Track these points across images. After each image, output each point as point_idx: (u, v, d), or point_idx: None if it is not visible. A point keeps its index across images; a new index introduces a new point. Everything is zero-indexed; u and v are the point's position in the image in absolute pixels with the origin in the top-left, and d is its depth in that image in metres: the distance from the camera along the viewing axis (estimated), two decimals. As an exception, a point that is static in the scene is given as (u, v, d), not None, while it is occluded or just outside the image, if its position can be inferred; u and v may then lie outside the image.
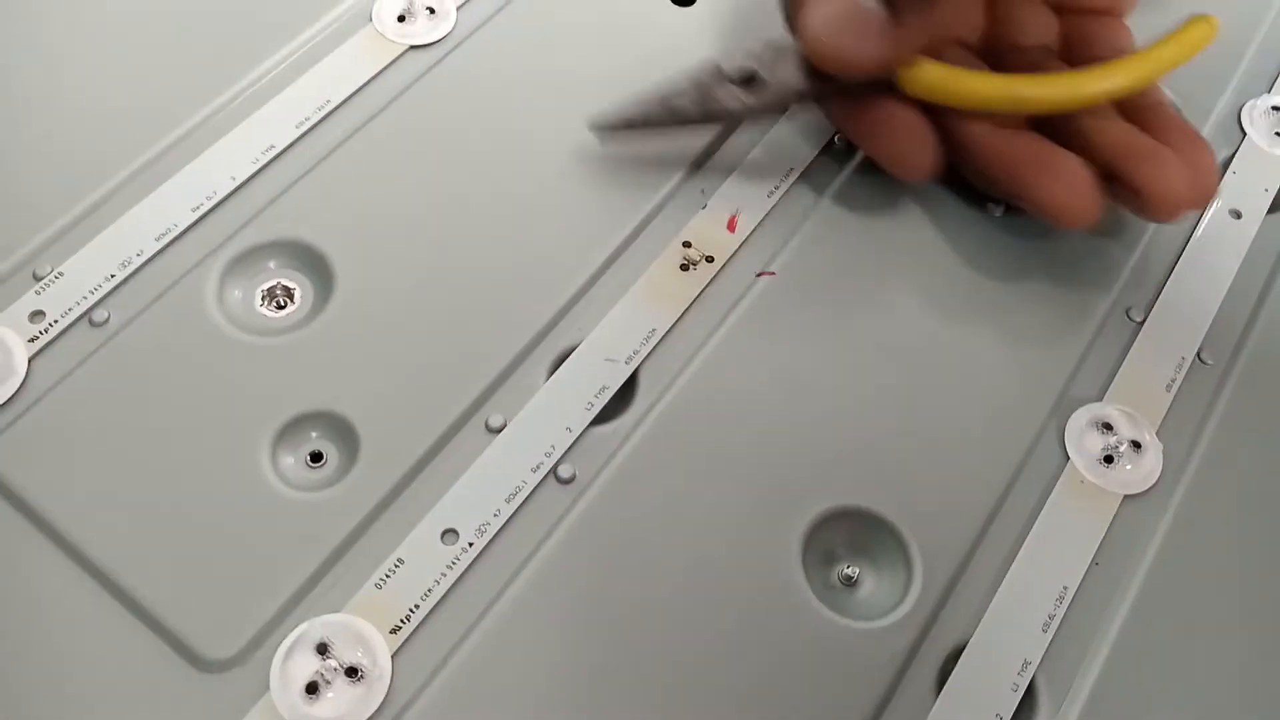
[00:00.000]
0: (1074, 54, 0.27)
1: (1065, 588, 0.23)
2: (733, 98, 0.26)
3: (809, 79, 0.26)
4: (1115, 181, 0.25)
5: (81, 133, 0.27)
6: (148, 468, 0.23)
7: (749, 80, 0.26)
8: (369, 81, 0.29)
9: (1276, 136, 0.31)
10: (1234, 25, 0.33)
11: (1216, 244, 0.29)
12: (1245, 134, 0.31)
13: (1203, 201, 0.27)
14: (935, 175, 0.27)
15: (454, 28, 0.30)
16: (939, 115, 0.26)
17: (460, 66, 0.29)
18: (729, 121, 0.27)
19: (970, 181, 0.28)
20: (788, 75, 0.26)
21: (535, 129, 0.28)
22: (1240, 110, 0.31)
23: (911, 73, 0.25)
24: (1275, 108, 0.31)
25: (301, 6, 0.30)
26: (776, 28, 0.30)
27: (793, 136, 0.29)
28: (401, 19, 0.30)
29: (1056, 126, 0.26)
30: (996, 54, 0.27)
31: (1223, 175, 0.30)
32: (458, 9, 0.30)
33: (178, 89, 0.28)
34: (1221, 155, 0.30)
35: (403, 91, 0.29)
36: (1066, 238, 0.28)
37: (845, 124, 0.28)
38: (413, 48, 0.29)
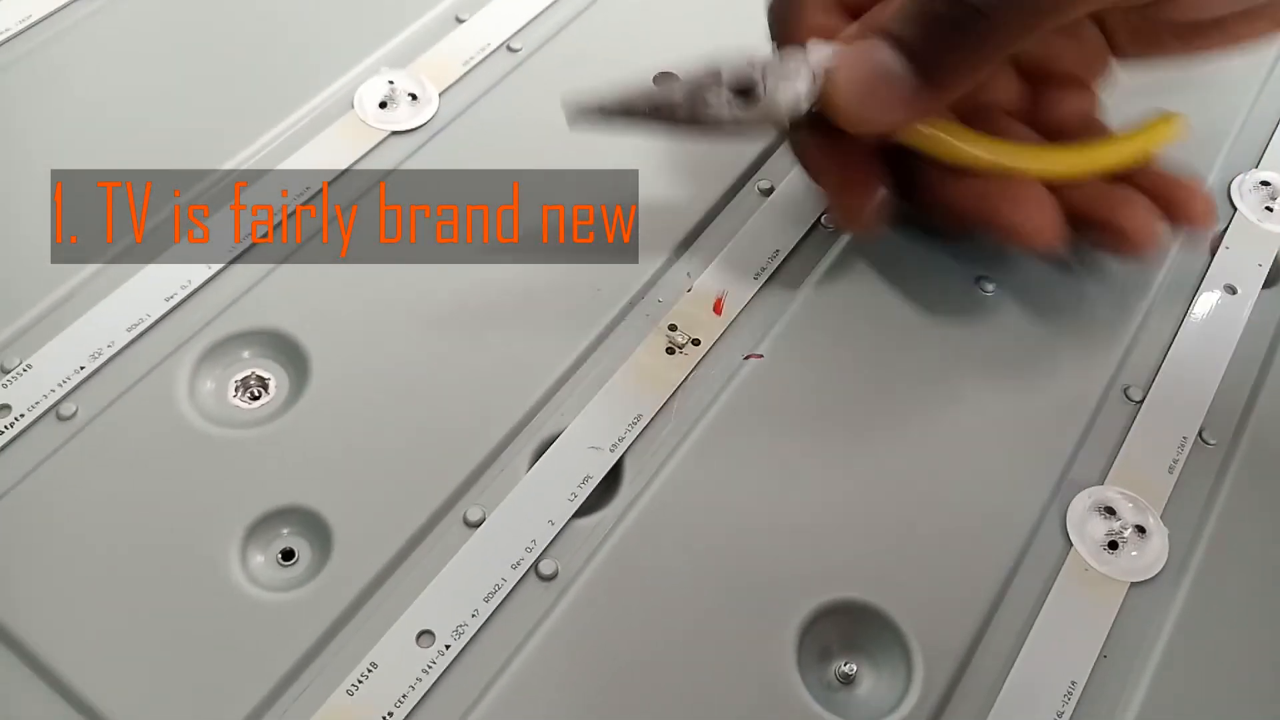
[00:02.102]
0: (1035, 118, 0.27)
1: (1073, 683, 0.22)
2: (724, 106, 0.25)
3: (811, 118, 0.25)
4: (1089, 224, 0.26)
5: (53, 222, 0.27)
6: (113, 568, 0.22)
7: (746, 92, 0.25)
8: (349, 167, 0.28)
9: (1267, 211, 0.31)
10: (1221, 100, 0.33)
11: (1213, 320, 0.28)
12: (1236, 209, 0.31)
13: (1205, 221, 0.27)
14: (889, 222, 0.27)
15: (436, 113, 0.30)
16: (900, 155, 0.26)
17: (442, 152, 0.29)
18: (713, 130, 0.25)
19: (932, 218, 0.28)
20: (784, 97, 0.25)
21: (516, 213, 0.28)
22: (1230, 185, 0.31)
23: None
24: (1264, 182, 0.31)
25: (282, 93, 0.30)
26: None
27: (779, 218, 0.29)
28: (384, 105, 0.30)
29: None
30: (960, 110, 0.27)
31: (1215, 249, 0.30)
32: (440, 95, 0.30)
33: (155, 177, 0.28)
34: (1212, 231, 0.30)
35: (383, 178, 0.28)
36: (1061, 316, 0.28)
37: (949, 192, 0.27)
38: (394, 133, 0.29)
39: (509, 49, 0.32)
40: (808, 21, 0.26)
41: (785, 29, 0.27)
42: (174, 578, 0.22)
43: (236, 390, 0.25)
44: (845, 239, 0.29)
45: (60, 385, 0.24)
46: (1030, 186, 0.25)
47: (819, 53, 0.25)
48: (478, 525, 0.23)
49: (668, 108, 0.25)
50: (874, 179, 0.26)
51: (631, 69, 0.31)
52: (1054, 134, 0.27)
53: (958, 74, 0.24)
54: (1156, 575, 0.24)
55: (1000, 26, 0.23)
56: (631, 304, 0.27)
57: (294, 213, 0.27)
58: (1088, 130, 0.27)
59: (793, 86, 0.25)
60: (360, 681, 0.21)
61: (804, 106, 0.25)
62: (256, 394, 0.25)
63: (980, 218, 0.26)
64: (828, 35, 0.26)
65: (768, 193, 0.29)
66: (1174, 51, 0.26)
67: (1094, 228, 0.26)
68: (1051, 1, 0.23)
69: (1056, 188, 0.26)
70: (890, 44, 0.24)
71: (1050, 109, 0.27)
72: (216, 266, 0.26)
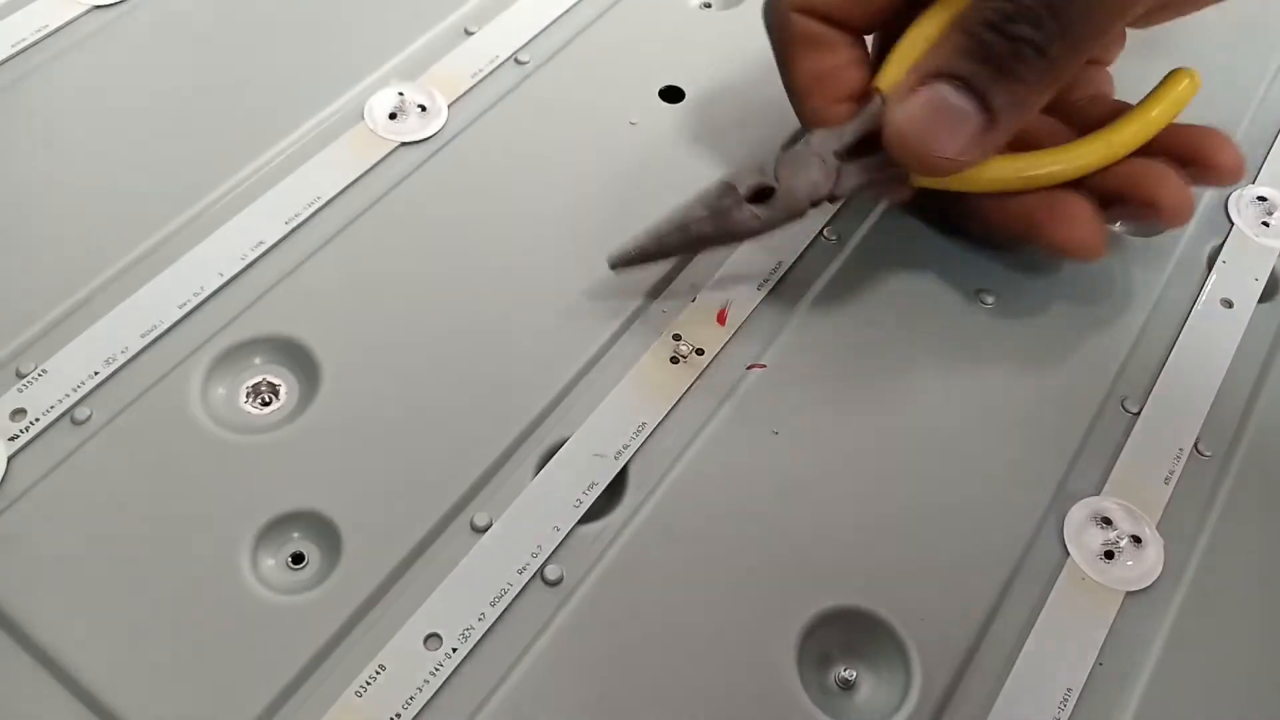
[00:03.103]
0: (1057, 102, 0.27)
1: (1069, 690, 0.23)
2: (748, 216, 0.26)
3: (867, 172, 0.26)
4: (1121, 204, 0.26)
5: (71, 229, 0.27)
6: (126, 570, 0.22)
7: (762, 195, 0.26)
8: (359, 178, 0.29)
9: (1264, 226, 0.31)
10: (1218, 115, 0.33)
11: (1209, 334, 0.28)
12: (1233, 224, 0.31)
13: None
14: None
15: (445, 124, 0.30)
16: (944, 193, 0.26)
17: (450, 163, 0.30)
18: (747, 238, 0.26)
19: (975, 235, 0.28)
20: (799, 184, 0.26)
21: (525, 223, 0.29)
22: (1227, 200, 0.31)
23: None
24: (1261, 198, 0.32)
25: (293, 104, 0.30)
26: (765, 123, 0.31)
27: (782, 231, 0.29)
28: (393, 116, 0.30)
29: None
30: None
31: (1212, 266, 0.30)
32: (449, 106, 0.31)
33: (169, 186, 0.28)
34: (1209, 245, 0.30)
35: (392, 188, 0.29)
36: (1059, 328, 0.28)
37: (995, 216, 0.27)
38: (403, 144, 0.30)
39: (517, 61, 0.32)
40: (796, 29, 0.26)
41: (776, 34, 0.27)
42: (186, 580, 0.22)
43: (248, 396, 0.25)
44: (847, 251, 0.29)
45: (75, 390, 0.25)
46: (1071, 202, 0.26)
47: (869, 108, 0.25)
48: (484, 530, 0.23)
49: (698, 236, 0.26)
50: (1088, 209, 0.26)
51: (637, 81, 0.32)
52: (1074, 116, 0.27)
53: (1025, 105, 0.24)
54: (1152, 585, 0.24)
55: (1060, 55, 0.23)
56: (636, 314, 0.27)
57: (305, 221, 0.28)
58: (1104, 106, 0.27)
59: (807, 176, 0.26)
60: (369, 683, 0.21)
61: (823, 191, 0.26)
62: (267, 400, 0.25)
63: (1028, 238, 0.26)
64: (816, 40, 0.26)
65: (771, 205, 0.30)
66: (1187, 8, 0.27)
67: (1128, 207, 0.26)
68: (1102, 21, 0.23)
69: (1088, 176, 0.26)
70: (954, 86, 0.24)
71: (1070, 91, 0.28)
72: (229, 274, 0.27)
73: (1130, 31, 0.28)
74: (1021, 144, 0.26)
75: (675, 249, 0.26)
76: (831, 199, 0.26)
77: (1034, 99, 0.24)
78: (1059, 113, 0.27)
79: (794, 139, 0.26)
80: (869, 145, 0.26)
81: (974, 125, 0.24)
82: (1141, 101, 0.26)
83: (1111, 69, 0.29)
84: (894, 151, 0.25)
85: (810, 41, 0.26)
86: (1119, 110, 0.27)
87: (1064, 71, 0.24)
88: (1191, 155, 0.26)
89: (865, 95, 0.26)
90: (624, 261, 0.26)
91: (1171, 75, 0.26)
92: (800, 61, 0.27)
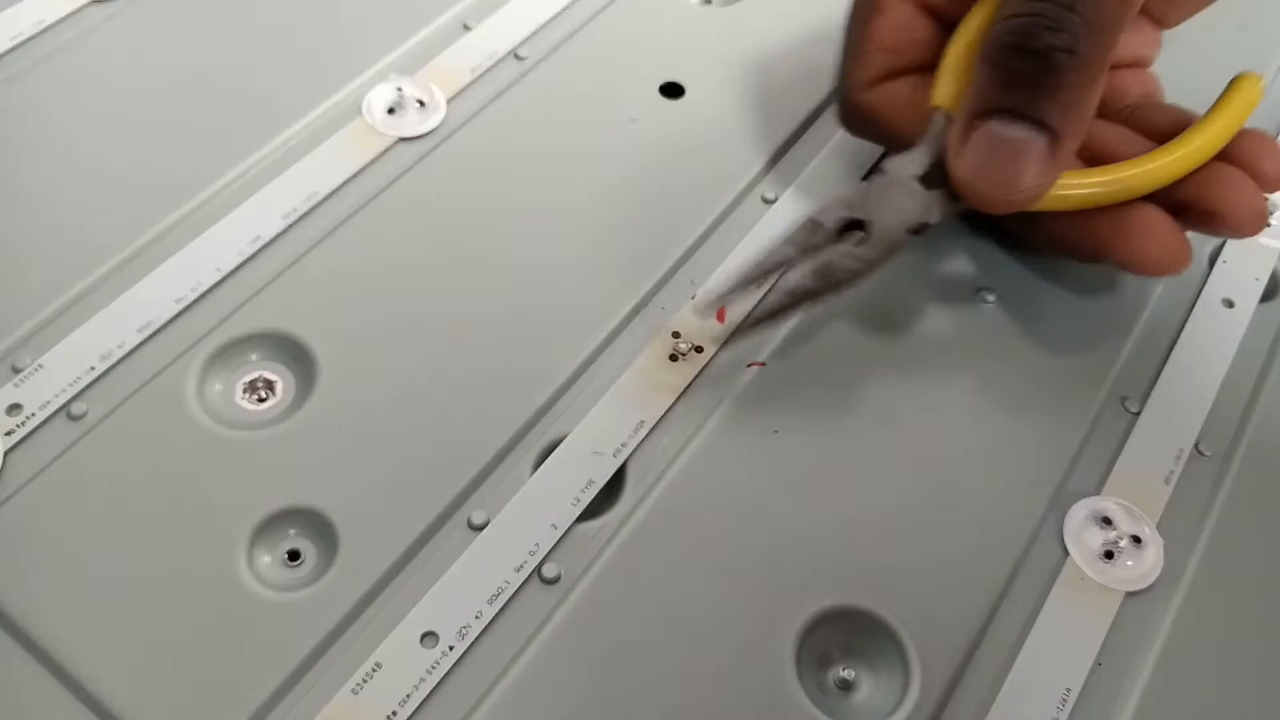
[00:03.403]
0: (1106, 107, 0.27)
1: (1068, 689, 0.23)
2: (849, 258, 0.24)
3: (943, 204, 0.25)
4: (1188, 213, 0.25)
5: (68, 224, 0.27)
6: (121, 566, 0.22)
7: (851, 228, 0.25)
8: (357, 173, 0.29)
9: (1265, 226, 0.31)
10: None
11: (1210, 334, 0.28)
12: (1234, 223, 0.31)
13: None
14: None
15: (443, 120, 0.30)
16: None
17: (449, 158, 0.30)
18: (855, 283, 0.25)
19: (1047, 253, 0.28)
20: (890, 215, 0.25)
21: (524, 220, 0.28)
22: (1228, 200, 0.31)
23: None
24: (1263, 197, 0.31)
25: (291, 99, 0.30)
26: (765, 119, 0.31)
27: (782, 227, 0.29)
28: (392, 111, 0.30)
29: None
30: None
31: (1212, 266, 0.30)
32: (448, 101, 0.31)
33: (166, 181, 0.28)
34: (1210, 245, 0.30)
35: (390, 184, 0.29)
36: (1060, 328, 0.28)
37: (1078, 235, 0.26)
38: (402, 140, 0.30)
39: (516, 57, 0.32)
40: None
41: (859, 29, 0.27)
42: (182, 576, 0.22)
43: (244, 392, 0.25)
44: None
45: (71, 385, 0.24)
46: (1148, 216, 0.25)
47: (934, 129, 0.25)
48: (482, 528, 0.23)
49: (803, 291, 0.25)
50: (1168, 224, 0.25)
51: (637, 77, 0.32)
52: (1140, 124, 0.27)
53: (1080, 107, 0.23)
54: (1152, 585, 0.24)
55: (1092, 48, 0.23)
56: (635, 311, 0.27)
57: (303, 217, 0.28)
58: (1171, 114, 0.27)
59: (897, 205, 0.25)
60: (365, 681, 0.21)
61: (916, 220, 0.25)
62: (264, 396, 0.25)
63: (1102, 256, 0.26)
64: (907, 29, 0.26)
65: (771, 202, 0.30)
66: None
67: (1202, 216, 0.25)
68: (1118, 10, 0.23)
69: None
70: (1004, 119, 0.23)
71: (1121, 96, 0.27)
72: (226, 269, 0.27)
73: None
74: (1098, 156, 0.26)
75: (785, 309, 0.25)
76: (925, 227, 0.25)
77: (1086, 98, 0.23)
78: (1125, 121, 0.27)
79: (871, 170, 0.25)
80: (944, 167, 0.25)
81: (1039, 148, 0.23)
82: (1211, 110, 0.26)
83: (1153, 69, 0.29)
84: (971, 201, 0.24)
85: (889, 8, 0.26)
86: (1184, 118, 0.26)
87: (1103, 61, 0.23)
88: (1254, 165, 0.25)
89: (922, 107, 0.26)
90: (742, 335, 0.26)
91: (1237, 81, 0.26)
92: (882, 18, 0.26)
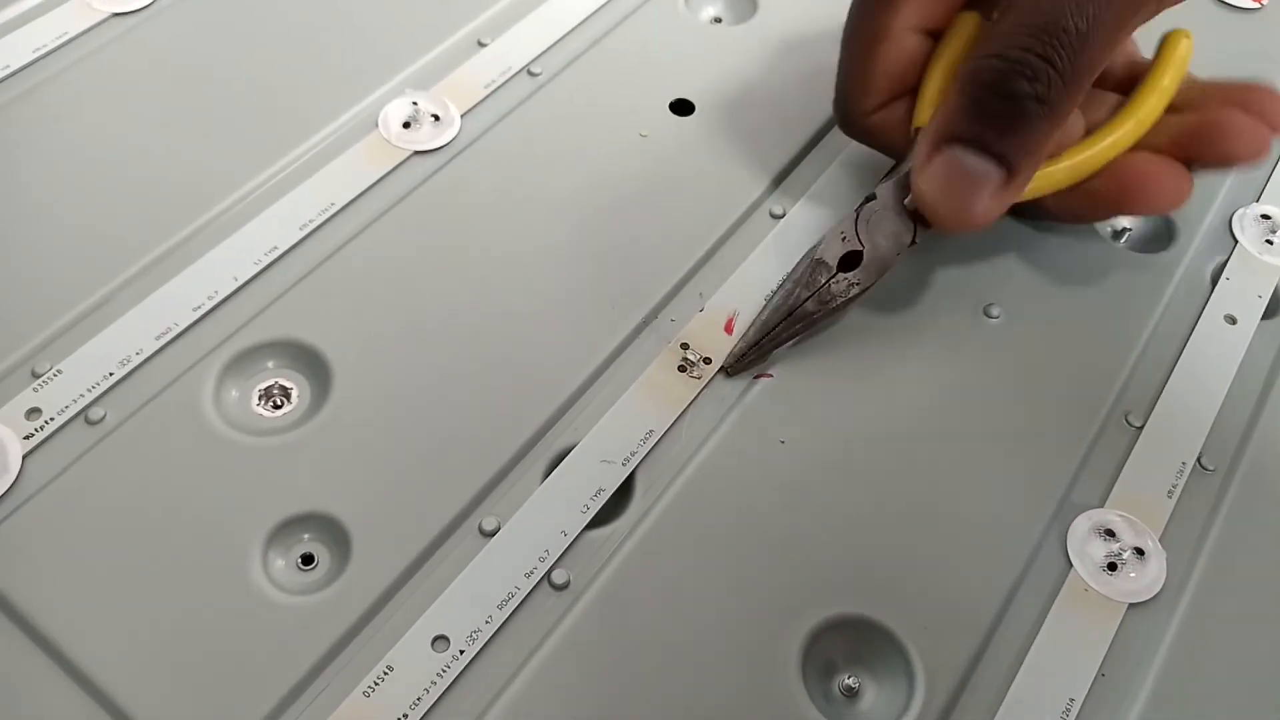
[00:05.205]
0: None
1: (1071, 700, 0.23)
2: (846, 286, 0.26)
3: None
4: (1200, 151, 0.27)
5: (88, 233, 0.28)
6: (137, 569, 0.23)
7: (850, 259, 0.26)
8: (372, 186, 0.29)
9: (1267, 244, 0.31)
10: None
11: (1213, 349, 0.29)
12: (1237, 241, 0.31)
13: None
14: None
15: (458, 134, 0.31)
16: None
17: (463, 172, 0.30)
18: (853, 306, 0.27)
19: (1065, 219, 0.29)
20: (882, 240, 0.26)
21: (536, 233, 0.29)
22: (1231, 219, 0.32)
23: None
24: (1264, 216, 0.32)
25: (308, 113, 0.31)
26: (774, 137, 0.31)
27: (790, 242, 0.29)
28: (407, 125, 0.31)
29: None
30: None
31: (1215, 282, 0.30)
32: (462, 116, 0.31)
33: (184, 191, 0.29)
34: (1213, 263, 0.31)
35: (405, 196, 0.29)
36: (1065, 343, 0.28)
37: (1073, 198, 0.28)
38: (417, 153, 0.30)
39: (529, 73, 0.33)
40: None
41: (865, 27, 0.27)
42: (197, 580, 0.23)
43: (260, 399, 0.26)
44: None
45: (89, 390, 0.25)
46: (1138, 165, 0.27)
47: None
48: (493, 534, 0.24)
49: (804, 317, 0.26)
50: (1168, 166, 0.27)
51: (648, 94, 0.32)
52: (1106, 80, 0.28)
53: (1039, 150, 0.24)
54: (1154, 597, 0.24)
55: (1061, 100, 0.24)
56: (645, 322, 0.27)
57: (319, 228, 0.28)
58: (1121, 59, 0.28)
59: (888, 229, 0.26)
60: (376, 684, 0.21)
61: (905, 240, 0.26)
62: (279, 403, 0.26)
63: (1115, 212, 0.28)
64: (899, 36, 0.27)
65: (779, 217, 0.30)
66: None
67: (1206, 152, 0.27)
68: (1097, 58, 0.24)
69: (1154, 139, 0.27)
70: (967, 148, 0.24)
71: None
72: (243, 279, 0.27)
73: None
74: None
75: (787, 336, 0.26)
76: (913, 244, 0.26)
77: (1047, 141, 0.24)
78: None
79: (865, 200, 0.26)
80: None
81: (994, 181, 0.24)
82: (1151, 70, 0.27)
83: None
84: (927, 216, 0.26)
85: (894, 37, 0.27)
86: (1136, 65, 0.28)
87: (1071, 108, 0.24)
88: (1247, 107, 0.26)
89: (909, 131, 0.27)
90: (741, 365, 0.27)
91: (1168, 39, 0.27)
92: (887, 45, 0.27)
